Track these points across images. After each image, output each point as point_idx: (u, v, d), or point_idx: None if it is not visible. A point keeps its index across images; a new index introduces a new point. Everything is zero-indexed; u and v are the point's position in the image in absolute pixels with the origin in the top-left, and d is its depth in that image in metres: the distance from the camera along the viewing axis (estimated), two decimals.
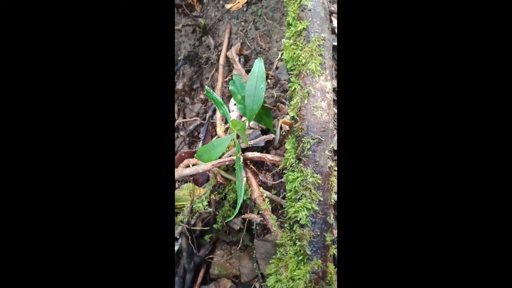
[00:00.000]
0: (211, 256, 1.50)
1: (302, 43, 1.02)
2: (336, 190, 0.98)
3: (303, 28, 1.02)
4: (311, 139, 0.95)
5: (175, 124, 1.69)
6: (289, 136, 1.04)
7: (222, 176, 1.35)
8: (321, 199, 0.92)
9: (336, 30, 1.48)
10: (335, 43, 1.40)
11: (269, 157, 1.23)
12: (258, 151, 1.31)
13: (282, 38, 1.59)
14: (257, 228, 1.36)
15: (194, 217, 1.47)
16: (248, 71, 1.58)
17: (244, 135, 1.21)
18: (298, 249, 0.91)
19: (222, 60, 1.62)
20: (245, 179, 1.19)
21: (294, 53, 1.03)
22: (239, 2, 1.66)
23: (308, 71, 0.99)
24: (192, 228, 1.42)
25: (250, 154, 1.25)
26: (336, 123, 1.24)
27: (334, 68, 1.48)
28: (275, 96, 1.45)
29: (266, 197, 1.20)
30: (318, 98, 0.98)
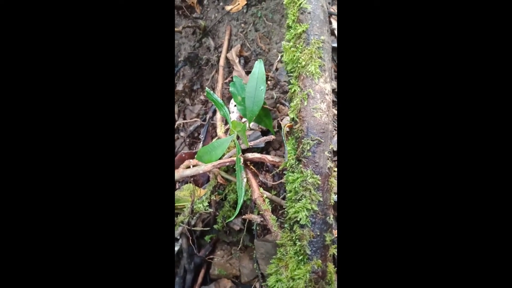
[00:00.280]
0: (211, 256, 1.50)
1: (301, 46, 1.03)
2: (335, 191, 0.99)
3: (303, 31, 1.03)
4: (311, 140, 0.96)
5: (176, 125, 1.70)
6: (289, 138, 1.05)
7: (222, 177, 1.36)
8: (321, 199, 0.93)
9: (335, 32, 1.50)
10: (335, 45, 1.41)
11: (269, 158, 1.24)
12: (258, 152, 1.32)
13: (282, 40, 1.60)
14: (257, 228, 1.37)
15: (195, 217, 1.48)
16: (248, 73, 1.59)
17: (245, 136, 1.22)
18: (298, 249, 0.92)
19: (222, 62, 1.63)
20: (245, 179, 1.20)
21: (294, 56, 1.04)
22: (239, 3, 1.67)
23: (307, 73, 1.00)
24: (192, 228, 1.43)
25: (250, 155, 1.26)
26: (335, 124, 1.25)
27: (333, 70, 1.49)
28: (275, 97, 1.46)
29: (266, 197, 1.21)
30: (318, 100, 0.99)
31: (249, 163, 1.30)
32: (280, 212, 1.28)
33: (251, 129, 1.44)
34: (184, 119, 1.72)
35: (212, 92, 1.28)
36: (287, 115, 1.38)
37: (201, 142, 1.60)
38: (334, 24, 1.52)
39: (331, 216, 0.96)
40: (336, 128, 1.25)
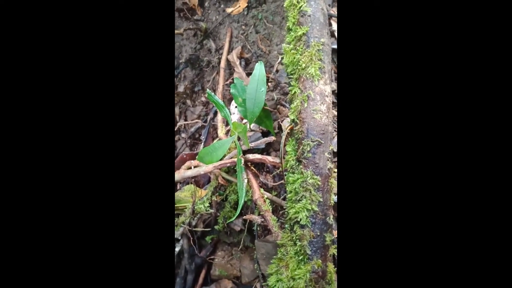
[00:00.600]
0: (212, 257, 1.51)
1: (302, 48, 1.04)
2: (335, 191, 1.00)
3: (303, 33, 1.04)
4: (311, 141, 0.97)
5: (177, 127, 1.71)
6: (289, 139, 1.07)
7: (223, 177, 1.37)
8: (321, 200, 0.94)
9: (336, 34, 1.51)
10: (335, 46, 1.42)
11: (269, 159, 1.25)
12: (258, 153, 1.33)
13: (282, 42, 1.61)
14: (258, 229, 1.38)
15: (195, 218, 1.49)
16: (248, 74, 1.60)
17: (246, 137, 1.23)
18: (298, 249, 0.93)
19: (223, 63, 1.64)
20: (246, 180, 1.21)
21: (294, 58, 1.05)
22: (239, 6, 1.68)
23: (308, 75, 1.02)
24: (193, 229, 1.44)
25: (251, 156, 1.27)
26: (335, 126, 1.26)
27: (333, 71, 1.50)
28: (275, 98, 1.47)
29: (267, 198, 1.21)
30: (318, 102, 1.00)
31: (250, 164, 1.31)
32: (281, 212, 1.29)
33: (251, 130, 1.45)
34: (185, 120, 1.73)
35: (213, 94, 1.29)
36: (287, 116, 1.39)
37: (202, 143, 1.61)
38: (334, 26, 1.53)
39: (331, 216, 0.97)
40: (336, 129, 1.26)
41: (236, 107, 1.48)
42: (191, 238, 1.43)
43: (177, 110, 1.78)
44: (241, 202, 1.15)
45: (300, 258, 0.93)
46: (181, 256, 1.52)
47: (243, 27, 1.69)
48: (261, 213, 1.19)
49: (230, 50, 1.69)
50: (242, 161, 1.23)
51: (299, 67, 1.03)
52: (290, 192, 0.99)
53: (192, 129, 1.69)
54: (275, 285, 0.94)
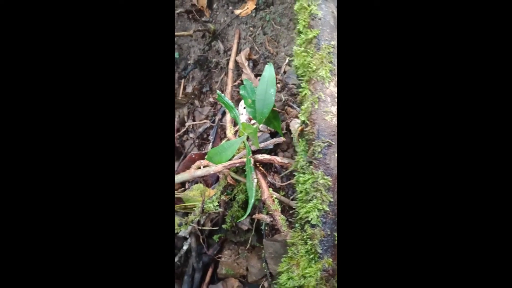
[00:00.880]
0: (219, 255, 1.53)
1: (312, 51, 1.06)
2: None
3: (314, 36, 1.06)
4: (322, 142, 0.99)
5: (185, 127, 1.73)
6: (300, 140, 1.08)
7: (232, 177, 1.39)
8: (332, 200, 0.96)
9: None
10: None
11: (278, 159, 1.27)
12: (267, 153, 1.34)
13: (290, 43, 1.63)
14: (266, 228, 1.39)
15: (203, 217, 1.51)
16: (257, 75, 1.62)
17: (255, 138, 1.24)
18: (309, 248, 0.95)
19: (231, 65, 1.66)
20: (256, 180, 1.22)
21: (305, 60, 1.07)
22: (248, 8, 1.70)
23: (318, 78, 1.03)
24: (201, 228, 1.45)
25: (260, 156, 1.29)
26: None
27: None
28: (283, 99, 1.49)
29: (275, 198, 1.23)
30: (328, 103, 1.02)
31: (259, 164, 1.32)
32: (291, 212, 1.30)
33: (260, 131, 1.46)
34: (194, 120, 1.75)
35: (223, 95, 1.30)
36: (296, 117, 1.41)
37: (211, 143, 1.63)
38: None
39: None
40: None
41: (244, 107, 1.50)
42: (201, 236, 1.45)
43: (185, 110, 1.80)
44: (251, 202, 1.17)
45: (311, 256, 0.94)
46: (189, 254, 1.54)
47: (251, 28, 1.71)
48: (269, 212, 1.21)
49: (238, 51, 1.70)
50: (252, 161, 1.25)
51: (309, 69, 1.05)
52: (301, 192, 1.01)
53: (200, 129, 1.71)
54: (286, 283, 0.96)
